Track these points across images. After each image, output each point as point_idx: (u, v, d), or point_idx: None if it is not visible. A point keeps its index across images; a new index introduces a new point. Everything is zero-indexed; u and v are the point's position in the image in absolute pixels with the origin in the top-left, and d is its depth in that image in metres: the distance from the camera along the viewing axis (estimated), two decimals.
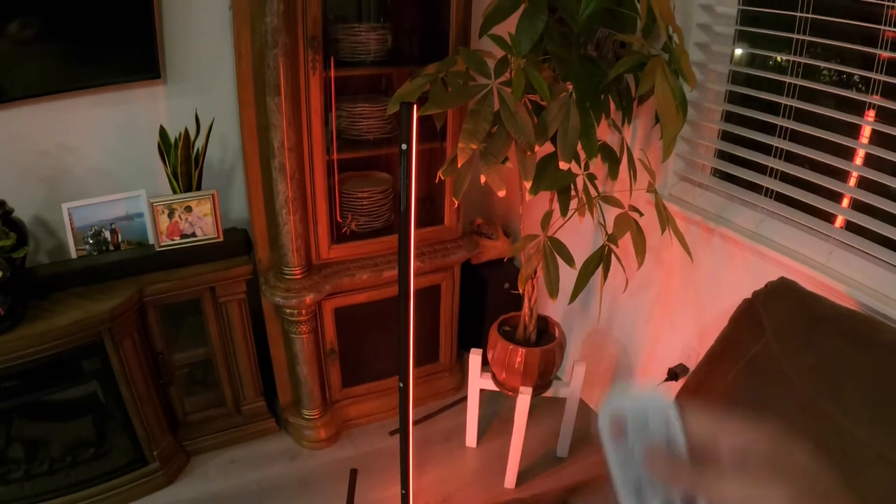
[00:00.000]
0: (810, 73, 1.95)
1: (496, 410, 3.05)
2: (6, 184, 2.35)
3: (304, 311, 2.54)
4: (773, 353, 1.66)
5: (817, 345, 1.60)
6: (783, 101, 1.98)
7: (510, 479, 2.62)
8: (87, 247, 2.43)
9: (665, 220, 2.00)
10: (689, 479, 0.42)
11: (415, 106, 1.57)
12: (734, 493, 0.41)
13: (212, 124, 2.52)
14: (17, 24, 2.17)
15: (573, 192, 2.09)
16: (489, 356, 2.54)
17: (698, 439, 0.44)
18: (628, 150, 2.07)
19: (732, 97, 2.22)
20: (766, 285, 1.81)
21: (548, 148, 1.91)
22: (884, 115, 1.77)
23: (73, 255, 2.42)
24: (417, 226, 1.75)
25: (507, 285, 3.14)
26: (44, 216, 2.52)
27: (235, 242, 2.58)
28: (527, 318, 2.44)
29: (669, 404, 0.44)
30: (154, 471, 2.57)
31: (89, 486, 2.46)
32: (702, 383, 1.84)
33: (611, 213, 2.11)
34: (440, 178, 2.09)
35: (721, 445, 0.44)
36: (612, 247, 2.07)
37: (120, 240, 2.48)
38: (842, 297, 1.78)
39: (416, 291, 1.82)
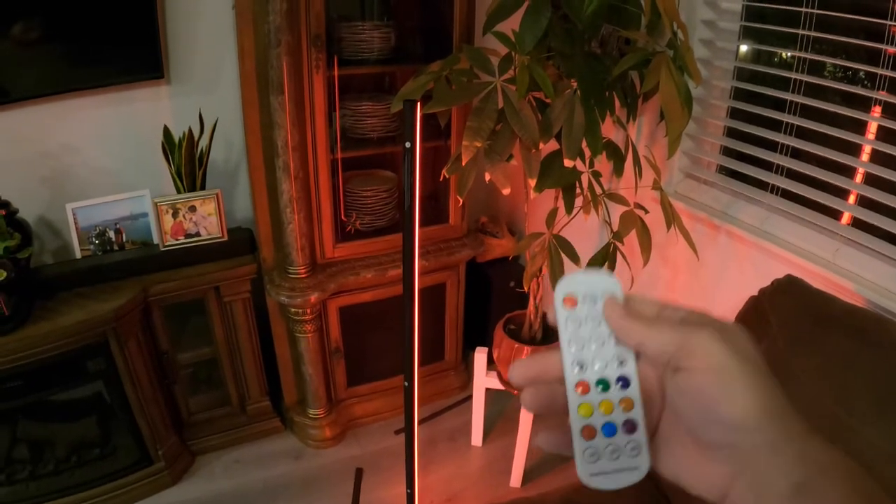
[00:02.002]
0: (816, 69, 1.94)
1: (501, 409, 3.05)
2: (11, 184, 2.35)
3: (308, 311, 2.53)
4: (780, 351, 1.65)
5: (824, 343, 1.59)
6: (789, 97, 1.97)
7: (516, 478, 2.62)
8: (92, 247, 2.43)
9: (671, 217, 1.99)
10: (636, 329, 0.48)
11: (418, 104, 1.57)
12: (666, 339, 0.47)
13: (215, 124, 2.51)
14: (20, 26, 2.18)
15: (578, 190, 2.08)
16: (495, 355, 2.53)
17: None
18: (633, 147, 2.07)
19: (738, 94, 2.20)
20: (772, 283, 1.80)
21: (552, 145, 1.90)
22: (890, 112, 1.76)
23: (78, 255, 2.42)
24: (422, 224, 1.74)
25: (512, 283, 3.13)
26: (48, 216, 2.52)
27: (240, 242, 2.58)
28: (532, 317, 2.43)
29: (617, 283, 0.50)
30: (159, 470, 2.57)
31: (94, 486, 2.46)
32: None
33: (616, 211, 2.10)
34: (444, 176, 2.08)
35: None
36: (618, 244, 2.06)
37: (124, 240, 2.48)
38: (849, 294, 1.77)
39: (420, 290, 1.81)
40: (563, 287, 0.50)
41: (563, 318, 0.49)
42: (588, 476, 0.48)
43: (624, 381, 0.48)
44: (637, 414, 0.47)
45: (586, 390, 0.48)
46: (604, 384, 0.48)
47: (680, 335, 0.46)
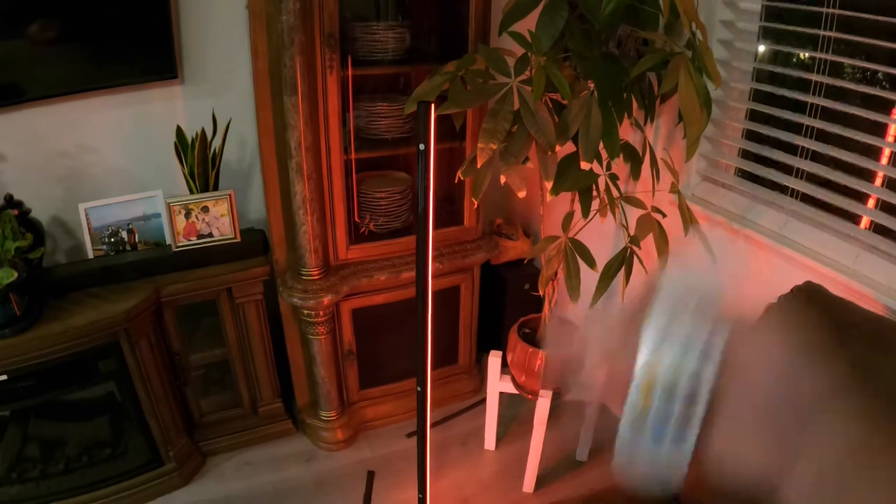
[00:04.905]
0: (836, 70, 1.91)
1: (515, 413, 3.02)
2: (24, 184, 2.35)
3: (321, 313, 2.52)
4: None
5: (843, 351, 1.56)
6: (809, 99, 1.94)
7: (529, 483, 2.59)
8: (104, 247, 2.43)
9: (688, 221, 1.97)
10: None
11: (432, 105, 1.55)
12: None
13: (229, 124, 2.50)
14: (36, 26, 2.17)
15: (595, 193, 2.06)
16: (509, 359, 2.51)
17: None
18: (651, 149, 2.04)
19: (757, 95, 2.17)
20: (792, 289, 1.77)
21: (569, 148, 1.88)
22: None
23: (90, 255, 2.41)
24: (436, 226, 1.73)
25: (527, 286, 3.11)
26: (61, 216, 2.52)
27: (253, 243, 2.57)
28: (547, 321, 2.41)
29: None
30: (170, 471, 2.56)
31: (105, 486, 2.45)
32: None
33: (633, 214, 2.08)
34: (459, 178, 2.06)
35: None
36: (635, 248, 2.04)
37: (137, 240, 2.47)
38: (870, 301, 1.74)
39: (435, 293, 1.80)
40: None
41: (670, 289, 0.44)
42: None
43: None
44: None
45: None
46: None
47: None
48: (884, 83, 1.81)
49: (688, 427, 0.45)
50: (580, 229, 2.14)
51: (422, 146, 1.55)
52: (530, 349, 2.38)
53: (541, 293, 2.27)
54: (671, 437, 0.44)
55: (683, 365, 0.44)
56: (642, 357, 0.43)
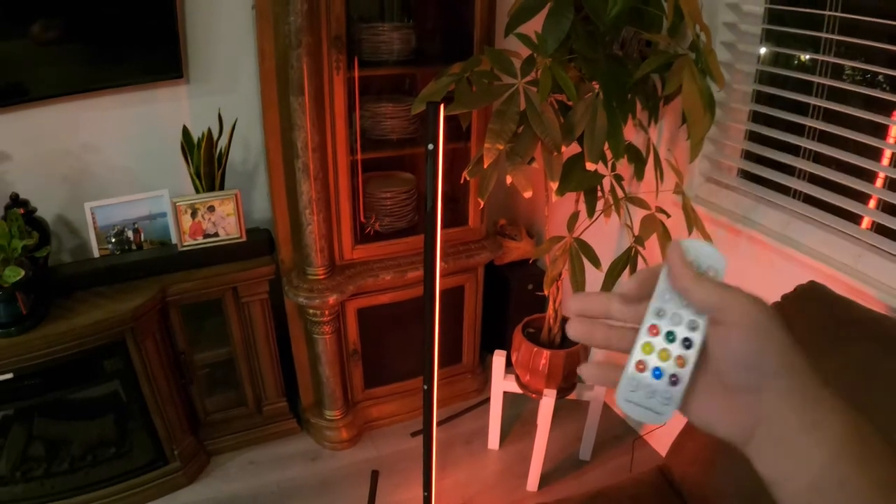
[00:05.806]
0: (838, 72, 1.92)
1: (519, 412, 3.03)
2: (30, 183, 2.36)
3: (326, 312, 2.53)
4: None
5: (846, 350, 1.57)
6: (811, 100, 1.95)
7: (532, 482, 2.60)
8: (110, 246, 2.43)
9: (692, 221, 1.98)
10: (688, 278, 0.53)
11: (442, 105, 1.56)
12: (710, 294, 0.52)
13: (235, 124, 2.51)
14: (40, 25, 2.18)
15: (599, 193, 2.07)
16: (513, 358, 2.52)
17: None
18: (654, 150, 2.05)
19: (759, 97, 2.19)
20: (795, 288, 1.78)
21: (574, 148, 1.89)
22: None
23: (96, 254, 2.42)
24: (441, 226, 1.73)
25: (530, 286, 3.12)
26: (67, 215, 2.53)
27: (258, 242, 2.57)
28: (551, 321, 2.42)
29: (724, 262, 0.55)
30: (174, 470, 2.57)
31: (109, 485, 2.46)
32: None
33: (637, 215, 2.09)
34: (465, 178, 2.07)
35: None
36: (639, 248, 2.05)
37: (142, 239, 2.48)
38: (872, 301, 1.75)
39: (440, 292, 1.80)
40: (685, 248, 0.55)
41: (666, 272, 0.55)
42: (623, 399, 0.56)
43: (688, 343, 0.54)
44: (685, 374, 0.54)
45: (656, 333, 0.55)
46: (671, 337, 0.55)
47: (722, 293, 0.52)
48: (884, 85, 1.83)
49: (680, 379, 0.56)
50: (584, 229, 2.15)
51: (430, 146, 1.56)
52: (535, 349, 2.39)
53: (546, 293, 2.29)
54: (668, 376, 0.53)
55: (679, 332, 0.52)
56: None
